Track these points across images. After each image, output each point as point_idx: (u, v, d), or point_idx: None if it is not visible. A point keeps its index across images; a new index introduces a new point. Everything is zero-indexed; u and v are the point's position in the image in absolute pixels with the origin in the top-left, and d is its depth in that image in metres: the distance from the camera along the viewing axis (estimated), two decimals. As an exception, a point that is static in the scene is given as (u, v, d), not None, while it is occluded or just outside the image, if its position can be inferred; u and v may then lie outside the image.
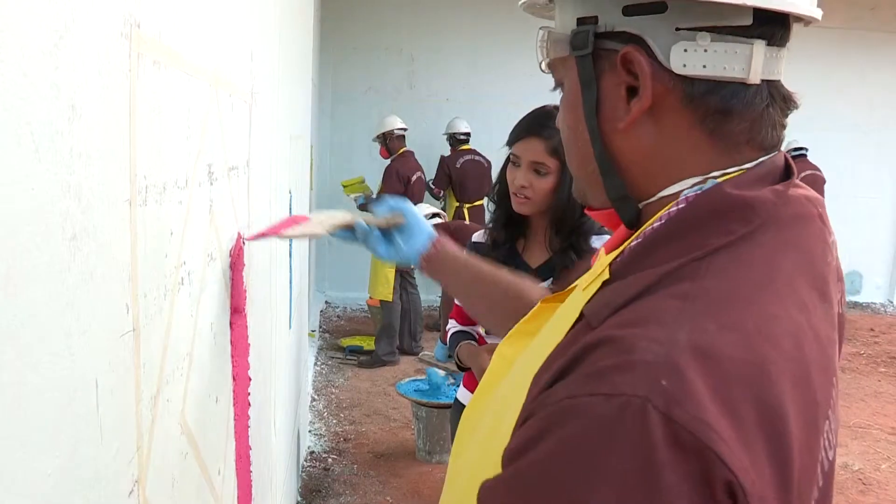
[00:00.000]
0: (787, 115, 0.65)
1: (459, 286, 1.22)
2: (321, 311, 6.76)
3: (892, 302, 8.34)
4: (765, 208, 0.58)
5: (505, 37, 7.00)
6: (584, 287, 0.63)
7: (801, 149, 7.11)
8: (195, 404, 0.87)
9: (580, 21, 0.64)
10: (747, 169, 0.62)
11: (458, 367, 1.95)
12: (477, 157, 6.33)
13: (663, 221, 0.60)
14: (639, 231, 0.63)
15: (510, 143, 1.83)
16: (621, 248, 0.63)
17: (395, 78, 7.10)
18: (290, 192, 2.40)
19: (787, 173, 0.65)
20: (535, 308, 0.78)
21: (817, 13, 0.64)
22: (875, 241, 8.25)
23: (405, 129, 5.55)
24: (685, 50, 0.58)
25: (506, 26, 7.09)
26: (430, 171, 6.26)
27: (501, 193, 1.89)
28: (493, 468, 0.56)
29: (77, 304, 0.48)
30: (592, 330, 0.55)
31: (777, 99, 0.63)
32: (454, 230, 3.23)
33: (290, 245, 2.46)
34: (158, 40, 0.67)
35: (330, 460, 3.69)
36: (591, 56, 0.63)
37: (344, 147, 6.97)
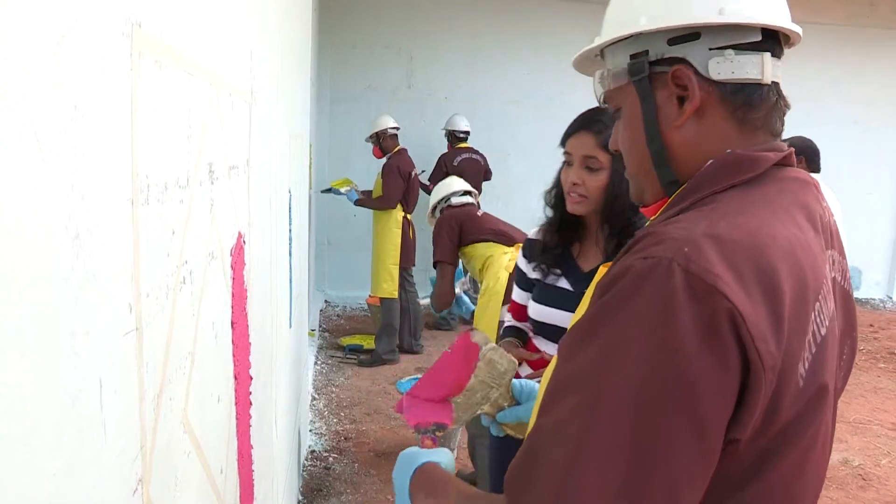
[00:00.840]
0: (785, 114, 0.87)
1: None
2: (321, 310, 6.76)
3: (891, 298, 8.35)
4: (767, 161, 0.78)
5: (503, 35, 7.00)
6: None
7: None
8: (197, 404, 0.87)
9: (633, 56, 0.85)
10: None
11: None
12: (474, 156, 6.33)
13: (697, 176, 0.80)
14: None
15: (562, 142, 1.81)
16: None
17: (393, 76, 7.10)
18: (289, 191, 2.40)
19: (789, 159, 0.83)
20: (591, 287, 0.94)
21: (797, 29, 0.86)
22: (874, 238, 8.25)
23: (398, 128, 5.55)
24: (718, 62, 0.80)
25: (504, 24, 7.10)
26: (428, 169, 6.26)
27: (558, 196, 1.86)
28: None
29: (80, 304, 0.48)
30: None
31: (780, 96, 0.85)
32: (462, 220, 3.26)
33: (290, 244, 2.46)
34: (159, 40, 0.67)
35: (331, 459, 3.69)
36: (646, 78, 0.84)
37: (342, 145, 6.97)
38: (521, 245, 2.93)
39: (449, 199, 3.57)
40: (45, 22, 0.42)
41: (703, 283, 0.64)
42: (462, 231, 3.27)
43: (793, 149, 0.83)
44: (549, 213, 1.90)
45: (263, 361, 1.60)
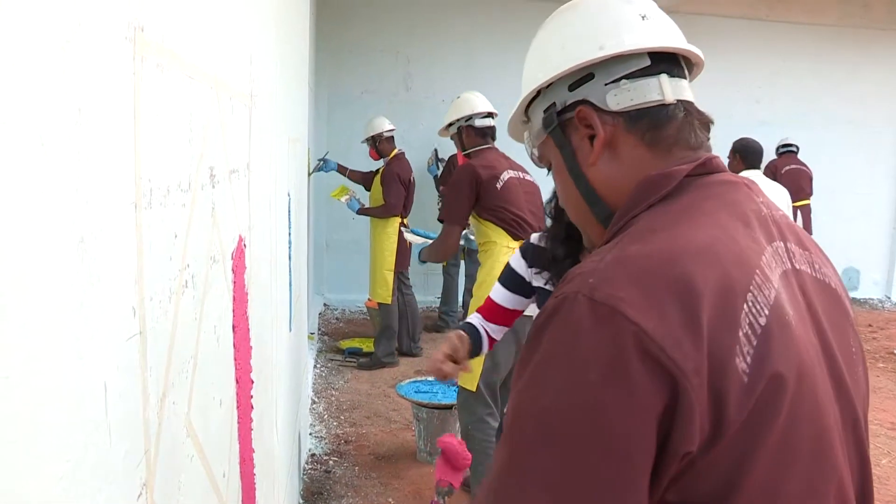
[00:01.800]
0: (708, 128, 0.88)
1: None
2: (320, 314, 6.76)
3: (889, 298, 8.36)
4: (679, 174, 0.79)
5: (500, 37, 7.01)
6: None
7: (790, 145, 7.21)
8: (200, 407, 0.87)
9: (545, 111, 0.90)
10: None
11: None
12: None
13: (617, 212, 0.82)
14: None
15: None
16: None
17: (391, 80, 7.10)
18: (288, 195, 2.40)
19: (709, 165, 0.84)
20: None
21: (689, 48, 0.87)
22: (871, 237, 8.27)
23: (394, 130, 5.54)
24: (615, 94, 0.84)
25: (501, 27, 7.11)
26: (420, 173, 6.24)
27: (560, 207, 1.82)
28: None
29: (85, 308, 0.48)
30: None
31: (693, 113, 0.86)
32: (482, 186, 3.03)
33: (290, 247, 2.46)
34: (161, 44, 0.67)
35: (331, 462, 3.69)
36: (558, 127, 0.89)
37: (341, 149, 6.96)
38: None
39: (472, 119, 3.20)
40: (50, 26, 0.42)
41: (605, 307, 0.66)
42: (479, 197, 3.04)
43: (710, 155, 0.83)
44: (551, 224, 1.86)
45: (264, 365, 1.60)
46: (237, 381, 1.18)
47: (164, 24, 0.68)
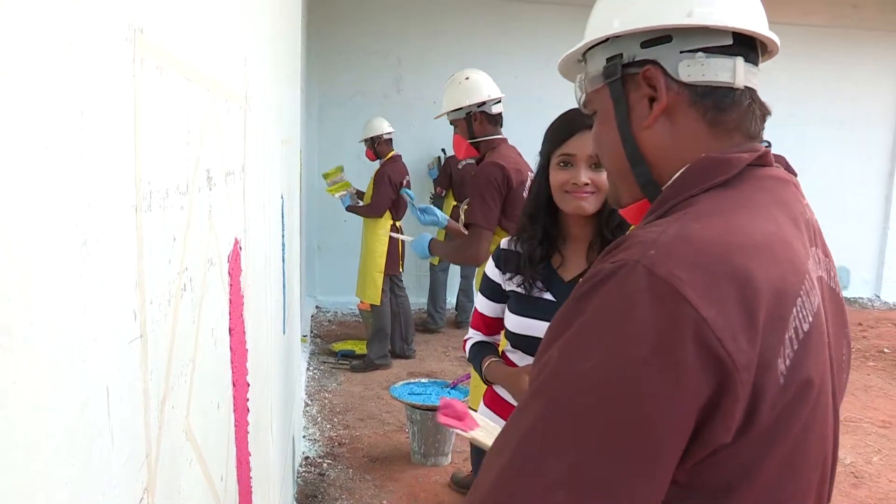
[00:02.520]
0: (765, 118, 0.86)
1: None
2: (312, 316, 6.74)
3: (879, 297, 8.41)
4: (741, 162, 0.78)
5: (492, 40, 7.02)
6: None
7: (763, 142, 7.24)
8: (199, 411, 0.87)
9: (608, 60, 0.86)
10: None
11: (484, 381, 1.87)
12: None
13: (674, 180, 0.81)
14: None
15: (556, 145, 1.72)
16: None
17: (382, 81, 7.10)
18: (281, 197, 2.40)
19: (766, 158, 0.83)
20: None
21: (772, 36, 0.85)
22: (862, 237, 8.32)
23: (392, 133, 5.54)
24: (688, 65, 0.81)
25: (493, 29, 7.12)
26: (415, 176, 6.25)
27: (538, 207, 1.78)
28: None
29: (89, 311, 0.48)
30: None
31: (756, 102, 0.85)
32: (511, 189, 2.79)
33: (283, 250, 2.45)
34: (160, 45, 0.67)
35: (325, 465, 3.68)
36: (619, 80, 0.85)
37: (332, 151, 6.95)
38: None
39: (485, 105, 2.91)
40: (54, 28, 0.42)
41: (666, 285, 0.64)
42: (505, 202, 2.77)
43: (769, 148, 0.83)
44: (529, 225, 1.81)
45: (259, 368, 1.60)
46: (234, 385, 1.17)
47: (162, 26, 0.67)
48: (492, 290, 1.87)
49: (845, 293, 8.33)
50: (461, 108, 2.92)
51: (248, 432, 1.31)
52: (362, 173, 6.02)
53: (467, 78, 2.99)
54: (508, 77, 7.32)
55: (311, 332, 6.20)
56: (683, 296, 0.63)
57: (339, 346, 5.71)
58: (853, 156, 8.17)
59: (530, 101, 7.13)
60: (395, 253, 5.37)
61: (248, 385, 1.32)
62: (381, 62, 7.08)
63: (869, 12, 7.93)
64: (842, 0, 7.84)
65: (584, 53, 0.93)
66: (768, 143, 0.81)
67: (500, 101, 2.97)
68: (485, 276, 1.90)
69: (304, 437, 3.99)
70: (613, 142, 0.88)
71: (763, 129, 0.86)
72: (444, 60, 7.11)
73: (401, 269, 5.50)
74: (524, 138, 7.17)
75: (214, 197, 0.98)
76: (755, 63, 0.85)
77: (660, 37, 0.82)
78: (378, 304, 5.25)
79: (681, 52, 0.81)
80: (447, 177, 6.28)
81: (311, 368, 5.25)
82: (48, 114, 0.41)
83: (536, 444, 0.65)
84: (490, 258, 1.90)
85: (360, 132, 5.68)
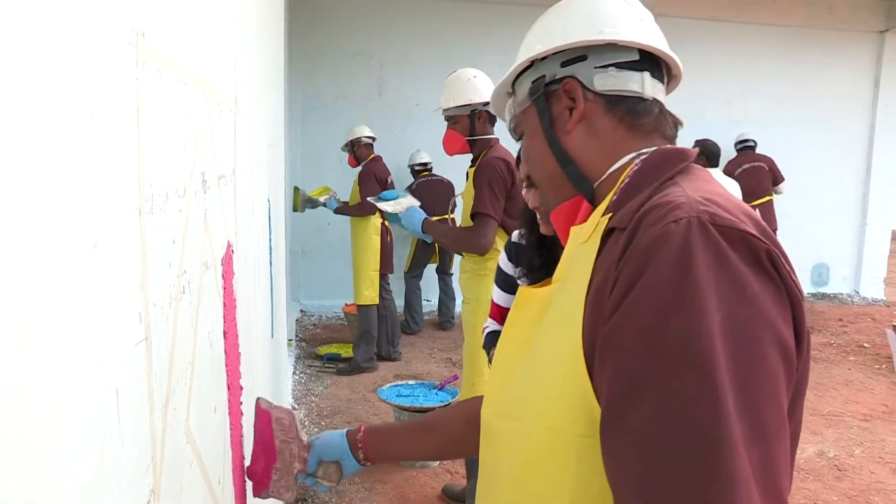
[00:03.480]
0: (677, 128, 0.96)
1: (406, 451, 1.35)
2: (297, 320, 6.72)
3: (858, 292, 8.53)
4: (692, 154, 0.87)
5: (474, 42, 7.04)
6: (583, 240, 0.84)
7: (746, 141, 7.32)
8: (197, 413, 0.87)
9: (533, 82, 0.97)
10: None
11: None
12: (435, 177, 6.45)
13: (637, 168, 0.86)
14: (612, 192, 0.87)
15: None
16: (608, 198, 0.86)
17: (364, 84, 7.10)
18: (268, 201, 2.39)
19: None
20: (517, 298, 0.98)
21: (673, 56, 0.95)
22: (841, 234, 8.44)
23: (373, 138, 5.55)
24: (601, 78, 0.92)
25: (475, 32, 7.13)
26: (398, 175, 6.25)
27: (530, 217, 1.82)
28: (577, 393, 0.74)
29: (99, 313, 0.48)
30: (627, 228, 0.74)
31: (667, 114, 0.95)
32: (515, 184, 2.84)
33: (271, 253, 2.45)
34: (160, 49, 0.67)
35: (313, 469, 3.66)
36: (542, 96, 0.96)
37: (315, 154, 6.94)
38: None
39: (489, 106, 2.90)
40: (65, 30, 0.42)
41: (734, 231, 0.68)
42: (507, 198, 2.82)
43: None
44: (527, 233, 1.85)
45: (250, 371, 1.60)
46: (228, 388, 1.17)
47: (160, 30, 0.68)
48: (505, 282, 1.94)
49: (825, 290, 8.44)
50: (468, 105, 2.94)
51: (242, 436, 1.31)
52: (346, 177, 6.01)
53: (475, 76, 3.02)
54: (490, 79, 7.36)
55: (297, 335, 6.17)
56: (753, 234, 0.68)
57: (324, 350, 5.70)
58: (831, 154, 8.29)
59: (512, 102, 7.16)
60: (387, 250, 5.38)
61: (242, 388, 1.32)
62: (364, 65, 7.08)
63: (844, 13, 8.05)
64: (817, 1, 7.95)
65: (513, 84, 1.04)
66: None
67: None
68: (498, 268, 1.97)
69: (291, 441, 3.97)
70: (542, 150, 0.97)
71: (676, 136, 0.96)
72: (427, 63, 7.13)
73: (392, 268, 5.51)
74: (505, 140, 7.21)
75: (209, 200, 0.98)
76: (662, 82, 0.96)
77: (577, 56, 0.94)
78: (377, 303, 5.25)
79: (595, 68, 0.92)
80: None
81: (297, 372, 5.23)
82: (62, 116, 0.42)
83: (707, 410, 0.62)
84: (503, 251, 1.97)
85: (343, 135, 5.68)
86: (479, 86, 2.98)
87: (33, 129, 0.38)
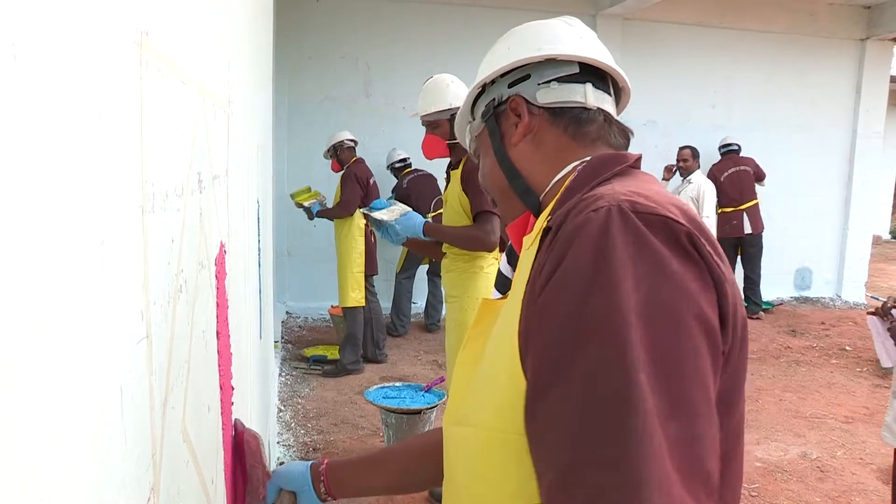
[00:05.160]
0: (628, 138, 1.00)
1: (364, 483, 1.26)
2: (283, 322, 6.70)
3: (840, 296, 8.62)
4: (630, 158, 0.89)
5: (460, 45, 7.05)
6: (528, 246, 0.85)
7: (730, 145, 7.40)
8: (193, 413, 0.87)
9: (485, 106, 1.04)
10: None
11: None
12: (422, 172, 6.43)
13: (577, 174, 0.89)
14: (555, 199, 0.89)
15: None
16: (551, 206, 0.88)
17: (351, 87, 7.09)
18: (257, 202, 2.39)
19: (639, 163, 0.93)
20: (478, 312, 0.97)
21: (614, 66, 1.00)
22: (823, 238, 8.53)
23: (355, 141, 5.55)
24: (544, 92, 0.97)
25: (461, 35, 7.15)
26: (381, 178, 6.23)
27: None
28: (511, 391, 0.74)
29: (106, 310, 0.48)
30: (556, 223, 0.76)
31: (613, 122, 0.99)
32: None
33: (259, 254, 2.44)
34: (161, 49, 0.67)
35: (300, 471, 3.65)
36: (493, 117, 1.02)
37: (301, 156, 6.93)
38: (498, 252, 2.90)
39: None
40: (78, 27, 0.42)
41: (654, 216, 0.71)
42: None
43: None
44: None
45: (240, 372, 1.59)
46: (221, 388, 1.17)
47: (162, 29, 0.68)
48: (504, 286, 1.95)
49: (807, 293, 8.53)
50: (448, 110, 2.97)
51: (233, 436, 1.30)
52: (332, 179, 6.00)
53: (453, 81, 3.10)
54: (465, 85, 7.38)
55: (282, 337, 6.15)
56: (674, 219, 0.71)
57: (310, 352, 5.69)
58: (814, 159, 8.38)
59: (499, 105, 7.18)
60: (372, 252, 5.37)
61: (233, 389, 1.32)
62: (350, 67, 7.08)
63: (825, 21, 8.16)
64: (799, 8, 8.04)
65: (472, 112, 1.10)
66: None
67: None
68: (499, 272, 1.97)
69: (278, 442, 3.97)
70: (493, 166, 1.02)
71: (626, 144, 1.00)
72: (413, 66, 7.13)
73: (376, 271, 5.50)
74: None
75: (204, 200, 0.98)
76: (608, 93, 1.00)
77: (521, 77, 1.00)
78: (363, 304, 5.24)
79: (538, 84, 0.98)
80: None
81: (283, 374, 5.21)
82: (72, 113, 0.42)
83: (621, 385, 0.63)
84: (503, 255, 1.98)
85: (330, 137, 5.67)
86: (457, 91, 3.05)
87: (47, 126, 0.38)
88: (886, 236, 15.90)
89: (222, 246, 1.19)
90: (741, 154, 7.42)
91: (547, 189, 0.96)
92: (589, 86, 0.97)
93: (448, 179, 3.05)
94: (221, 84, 1.21)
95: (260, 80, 2.72)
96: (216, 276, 1.12)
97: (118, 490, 0.51)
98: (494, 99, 1.03)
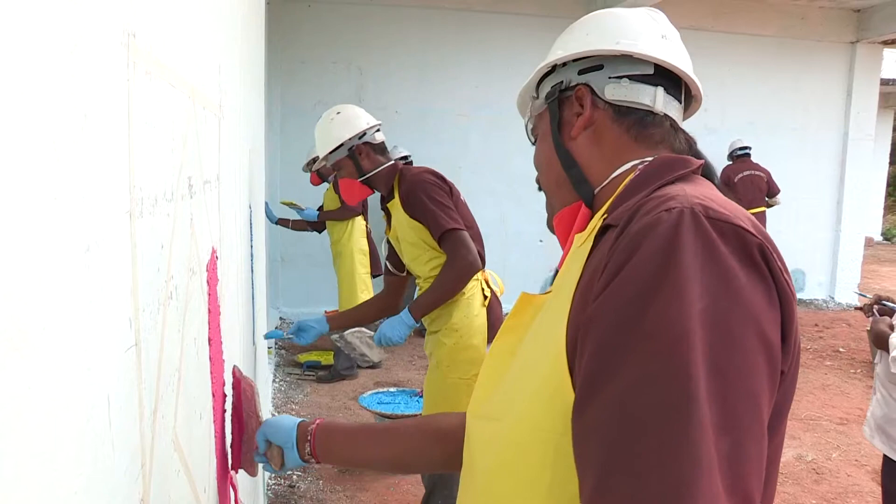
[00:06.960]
0: (691, 146, 0.96)
1: (362, 454, 1.20)
2: (276, 328, 6.67)
3: (833, 298, 8.64)
4: (694, 162, 0.86)
5: (453, 49, 7.06)
6: (580, 244, 0.84)
7: (745, 148, 7.40)
8: (184, 421, 0.86)
9: (552, 87, 1.00)
10: None
11: None
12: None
13: (638, 173, 0.86)
14: (612, 197, 0.87)
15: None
16: (608, 203, 0.86)
17: (344, 91, 7.08)
18: (249, 207, 2.37)
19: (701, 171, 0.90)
20: (516, 305, 0.95)
21: (691, 75, 0.97)
22: (816, 241, 8.55)
23: None
24: (613, 87, 0.94)
25: (453, 39, 7.16)
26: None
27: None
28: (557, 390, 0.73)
29: (92, 317, 0.47)
30: (620, 224, 0.74)
31: (678, 130, 0.95)
32: (451, 189, 2.60)
33: (252, 260, 2.43)
34: (149, 51, 0.66)
35: (295, 477, 3.63)
36: (556, 100, 0.98)
37: (294, 161, 6.90)
38: (484, 273, 2.63)
39: (368, 136, 2.58)
40: (61, 29, 0.41)
41: (727, 224, 0.68)
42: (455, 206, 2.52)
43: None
44: None
45: (232, 379, 1.58)
46: (213, 395, 1.16)
47: (150, 31, 0.67)
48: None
49: (801, 295, 8.55)
50: (342, 145, 2.57)
51: (225, 444, 1.29)
52: (322, 186, 5.98)
53: (338, 113, 2.65)
54: (468, 87, 7.39)
55: (276, 343, 6.12)
56: (745, 229, 0.68)
57: (304, 358, 5.66)
58: (806, 162, 8.41)
59: (491, 111, 7.19)
60: (375, 252, 5.34)
61: (226, 396, 1.31)
62: (342, 72, 7.07)
63: (816, 24, 8.20)
64: (791, 12, 8.08)
65: (537, 88, 1.05)
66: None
67: (379, 128, 2.64)
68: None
69: (271, 450, 3.94)
70: (549, 153, 0.99)
71: (689, 153, 0.94)
72: (406, 70, 7.14)
73: (381, 271, 5.47)
74: (485, 147, 7.25)
75: (195, 205, 0.97)
76: (679, 100, 0.97)
77: (594, 65, 0.96)
78: None
79: (609, 78, 0.94)
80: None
81: (276, 380, 5.19)
82: (55, 115, 0.41)
83: (676, 394, 0.61)
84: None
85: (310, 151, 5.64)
86: (346, 120, 2.61)
87: (28, 127, 0.37)
88: (879, 238, 15.97)
89: (214, 252, 1.18)
90: (752, 159, 7.41)
91: (604, 184, 0.92)
92: (660, 90, 0.94)
93: (388, 215, 2.68)
94: (212, 88, 1.19)
95: (252, 85, 2.70)
96: (208, 282, 1.11)
97: (105, 501, 0.49)
98: (562, 82, 0.98)
